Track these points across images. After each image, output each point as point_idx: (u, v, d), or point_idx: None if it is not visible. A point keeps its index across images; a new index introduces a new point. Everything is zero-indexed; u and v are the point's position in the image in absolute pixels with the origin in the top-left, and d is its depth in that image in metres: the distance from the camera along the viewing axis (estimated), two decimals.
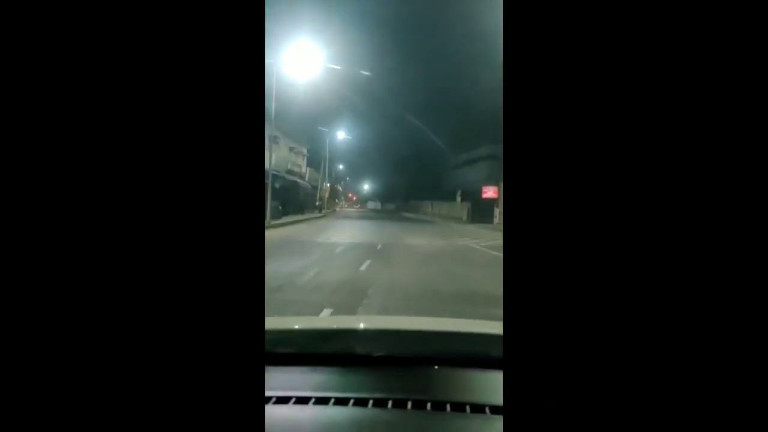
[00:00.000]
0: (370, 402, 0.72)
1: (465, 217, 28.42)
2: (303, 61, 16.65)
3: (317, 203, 26.56)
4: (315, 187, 31.22)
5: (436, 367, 0.88)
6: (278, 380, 0.78)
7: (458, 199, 31.36)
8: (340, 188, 65.74)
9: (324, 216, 24.30)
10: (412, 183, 51.78)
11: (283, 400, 0.72)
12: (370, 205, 69.98)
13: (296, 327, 1.05)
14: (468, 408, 0.72)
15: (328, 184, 25.58)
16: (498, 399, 0.69)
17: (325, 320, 1.18)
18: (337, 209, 43.49)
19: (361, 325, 1.13)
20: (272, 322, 0.93)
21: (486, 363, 0.87)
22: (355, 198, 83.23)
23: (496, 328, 0.94)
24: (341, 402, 0.72)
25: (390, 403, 0.72)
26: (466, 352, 0.94)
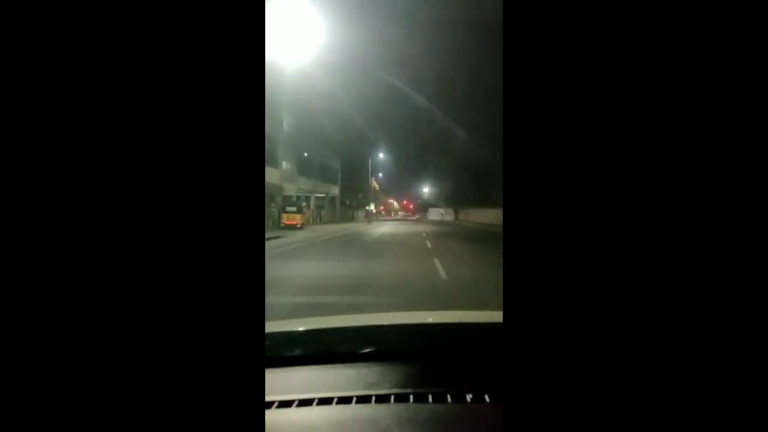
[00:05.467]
0: (373, 398, 0.73)
1: None
2: None
3: None
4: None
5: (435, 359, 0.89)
6: (279, 384, 0.79)
7: None
8: (376, 186, 48.35)
9: None
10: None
11: (286, 404, 0.73)
12: (432, 214, 45.79)
13: (294, 329, 1.06)
14: (468, 398, 0.73)
15: None
16: (497, 387, 0.70)
17: (322, 320, 1.19)
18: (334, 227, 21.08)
19: (358, 323, 1.14)
20: (270, 325, 0.94)
21: (484, 352, 0.88)
22: (412, 206, 63.25)
23: (494, 318, 0.94)
24: (344, 401, 0.73)
25: (392, 398, 0.73)
26: (464, 343, 0.95)
